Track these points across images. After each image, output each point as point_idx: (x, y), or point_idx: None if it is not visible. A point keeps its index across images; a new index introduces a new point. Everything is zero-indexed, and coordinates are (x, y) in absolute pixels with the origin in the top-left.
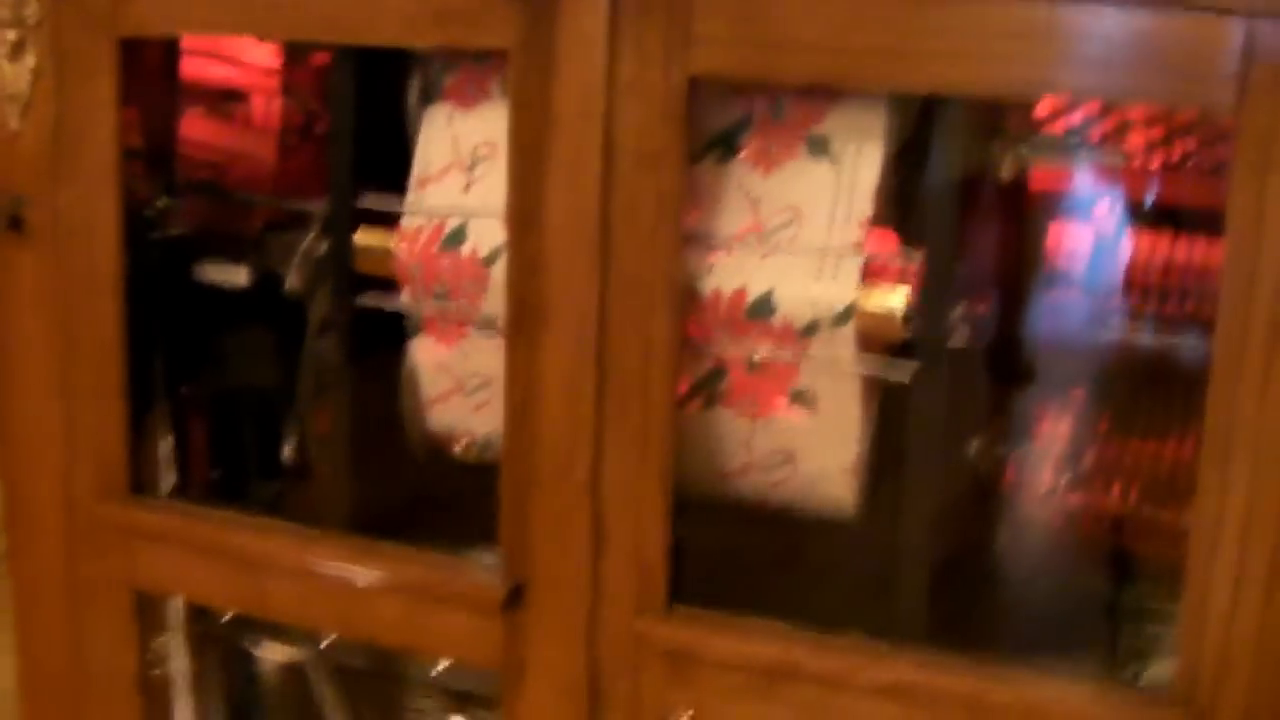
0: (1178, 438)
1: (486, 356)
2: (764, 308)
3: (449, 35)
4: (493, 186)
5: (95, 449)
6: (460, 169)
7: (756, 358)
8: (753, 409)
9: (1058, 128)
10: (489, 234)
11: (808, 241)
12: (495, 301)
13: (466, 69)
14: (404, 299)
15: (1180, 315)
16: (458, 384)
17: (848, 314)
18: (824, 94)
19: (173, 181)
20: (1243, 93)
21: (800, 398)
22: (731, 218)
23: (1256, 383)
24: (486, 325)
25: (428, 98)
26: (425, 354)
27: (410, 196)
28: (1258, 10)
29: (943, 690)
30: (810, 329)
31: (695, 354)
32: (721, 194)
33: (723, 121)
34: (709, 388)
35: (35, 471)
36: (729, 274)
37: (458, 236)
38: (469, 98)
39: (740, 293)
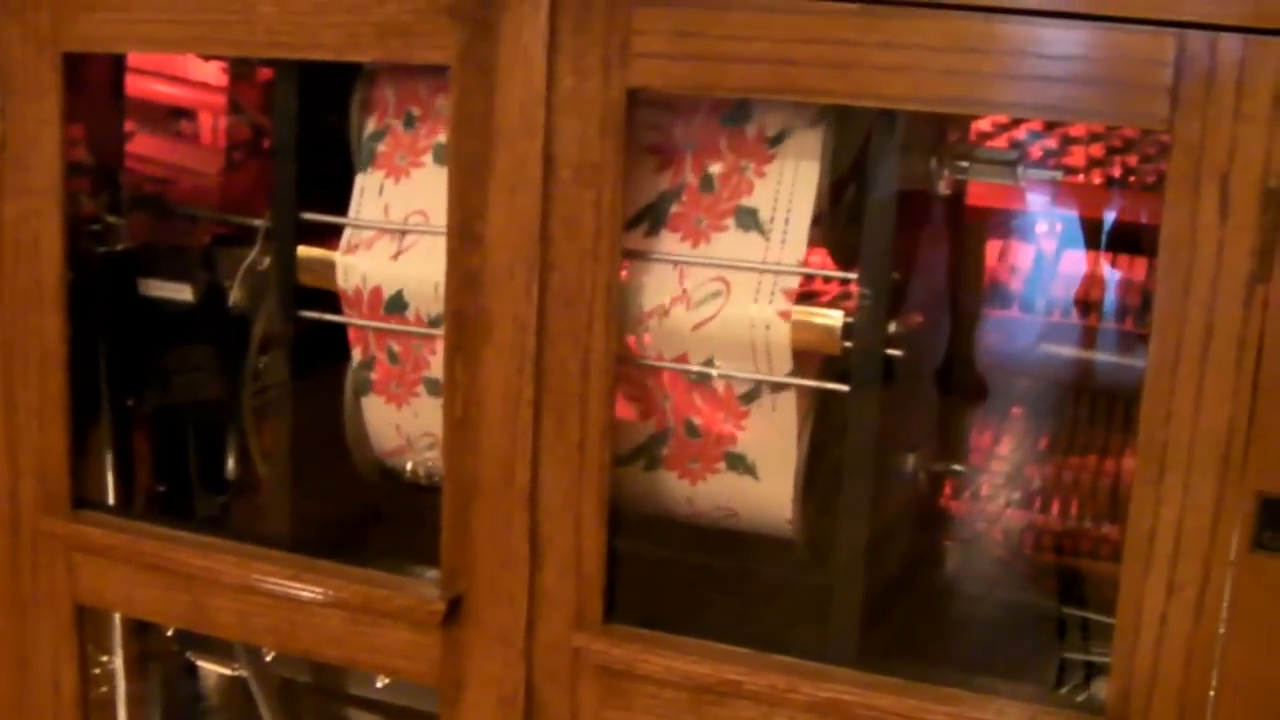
0: (1120, 454)
1: (437, 416)
2: (702, 375)
3: (390, 50)
4: (426, 251)
5: (38, 464)
6: (391, 236)
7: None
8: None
9: (998, 143)
10: (428, 300)
11: (736, 312)
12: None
13: (395, 136)
14: (356, 355)
15: (1124, 332)
16: (408, 442)
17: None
18: (757, 161)
19: (118, 197)
20: (1175, 106)
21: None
22: (659, 289)
23: (1190, 397)
24: (436, 388)
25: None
26: (375, 413)
27: (340, 259)
28: (1189, 23)
29: (880, 709)
30: (750, 396)
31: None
32: (649, 265)
33: (651, 193)
34: (651, 451)
35: None
36: (665, 340)
37: (398, 303)
38: (400, 168)
39: (681, 357)
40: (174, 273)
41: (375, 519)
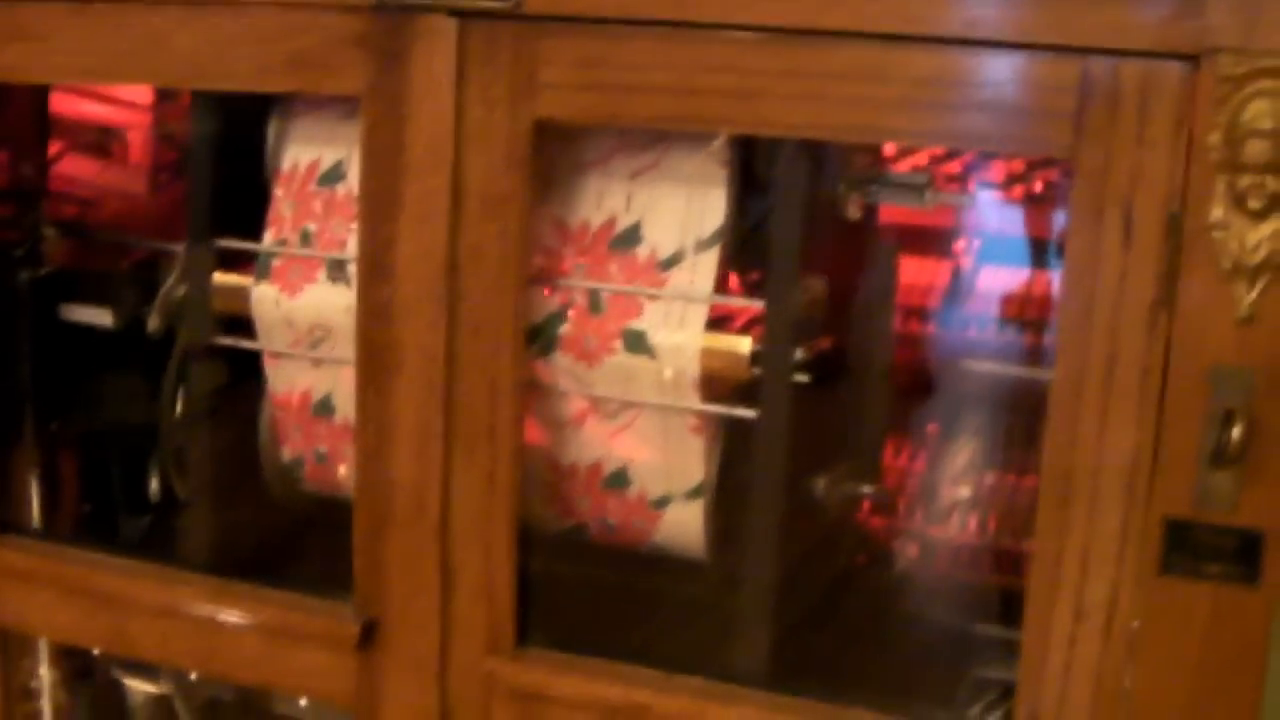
0: (1035, 470)
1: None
2: (619, 479)
3: (302, 81)
4: (342, 360)
5: None
6: (305, 346)
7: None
8: None
9: (918, 159)
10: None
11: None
12: None
13: (288, 258)
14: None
15: (1041, 348)
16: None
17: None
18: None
19: (40, 221)
20: (1078, 133)
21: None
22: (566, 403)
23: (1094, 423)
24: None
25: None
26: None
27: (268, 367)
28: (1092, 49)
29: None
30: (660, 503)
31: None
32: (552, 382)
33: (540, 313)
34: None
35: None
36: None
37: (326, 406)
38: (293, 283)
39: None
40: (96, 297)
41: (295, 542)
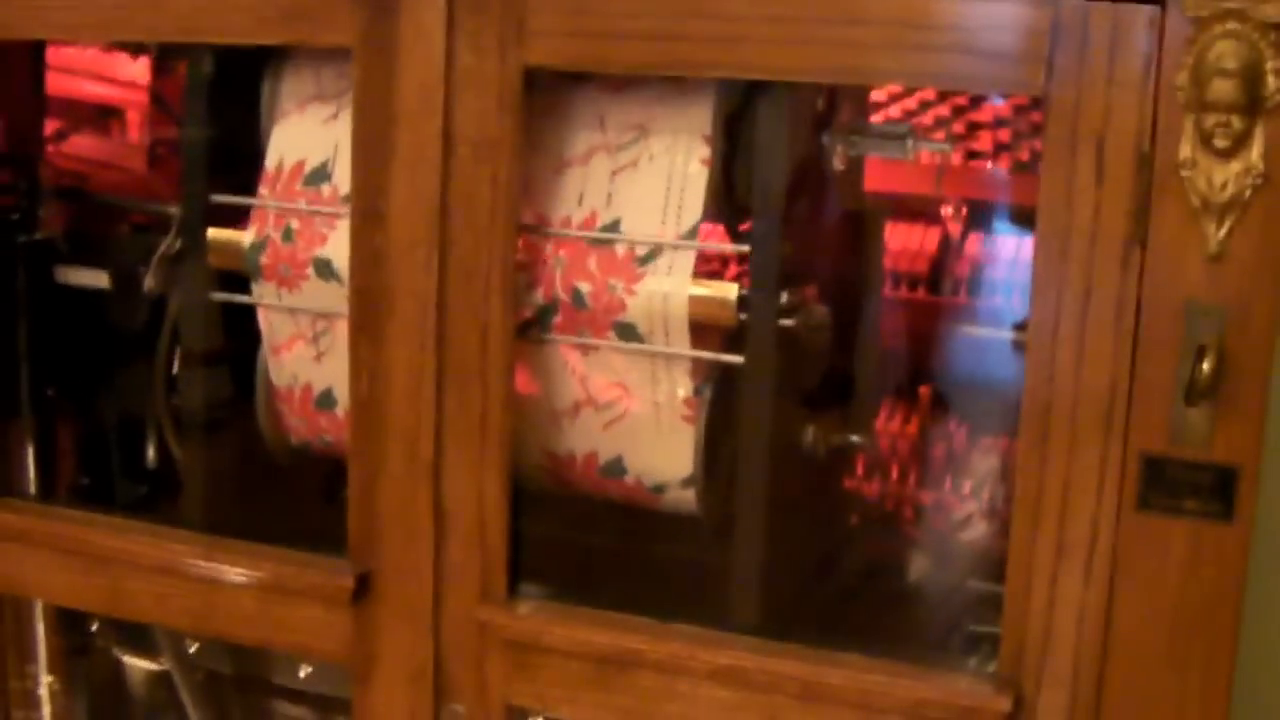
0: None
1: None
2: (615, 468)
3: (296, 33)
4: (341, 355)
5: None
6: (305, 340)
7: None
8: None
9: (890, 116)
10: None
11: (638, 413)
12: None
13: (274, 249)
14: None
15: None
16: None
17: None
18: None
19: (38, 186)
20: (1050, 74)
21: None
22: (563, 392)
23: (1071, 358)
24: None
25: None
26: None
27: (270, 361)
28: None
29: (777, 674)
30: (659, 489)
31: None
32: (547, 370)
33: (530, 307)
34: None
35: None
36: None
37: (328, 399)
38: (288, 280)
39: (591, 456)
40: (92, 261)
41: (289, 499)
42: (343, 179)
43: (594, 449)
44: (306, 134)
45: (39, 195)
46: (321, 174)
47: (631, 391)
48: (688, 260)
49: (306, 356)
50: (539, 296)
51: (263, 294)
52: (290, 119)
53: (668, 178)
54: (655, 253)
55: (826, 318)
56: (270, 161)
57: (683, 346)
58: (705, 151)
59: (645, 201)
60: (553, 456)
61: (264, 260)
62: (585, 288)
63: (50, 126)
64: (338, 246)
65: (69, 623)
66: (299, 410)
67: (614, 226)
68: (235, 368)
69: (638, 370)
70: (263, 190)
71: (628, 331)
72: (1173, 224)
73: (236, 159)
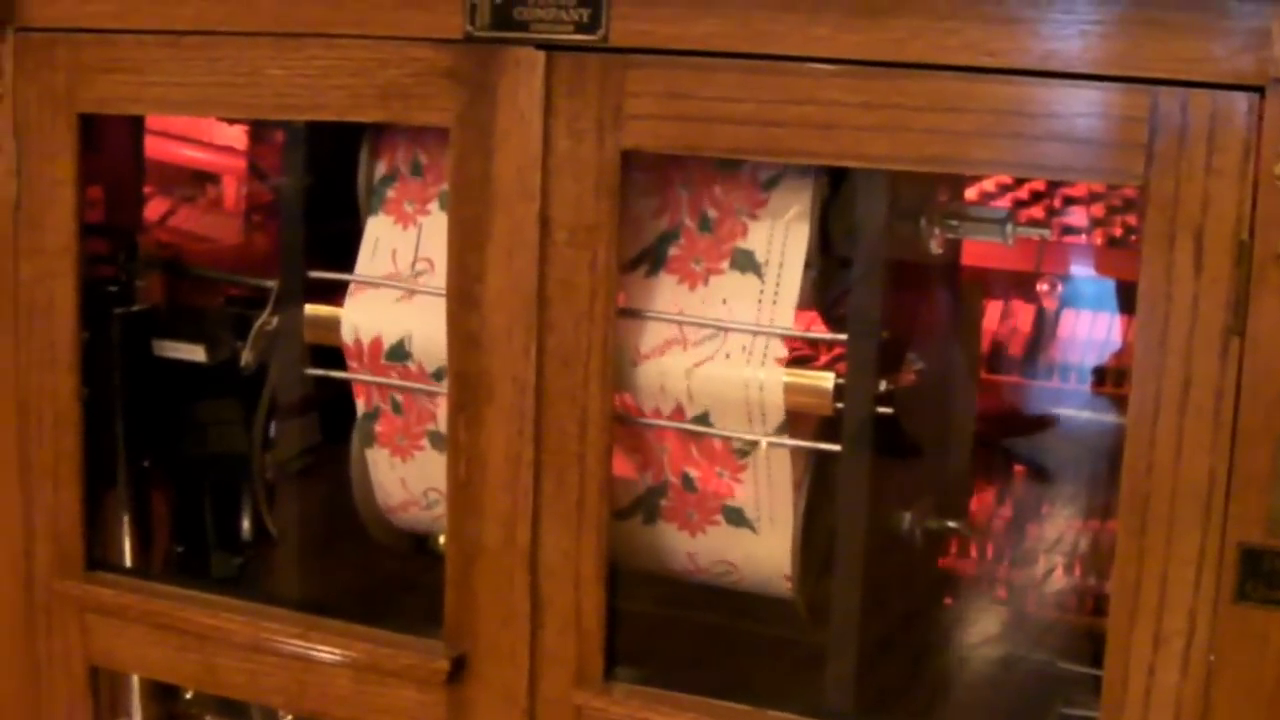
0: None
1: (441, 470)
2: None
3: (392, 112)
4: (430, 301)
5: (52, 525)
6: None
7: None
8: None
9: (1001, 204)
10: (431, 353)
11: (731, 374)
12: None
13: (404, 182)
14: (360, 405)
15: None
16: (413, 497)
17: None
18: (749, 205)
19: (135, 258)
20: (1150, 162)
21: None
22: (657, 330)
23: (1170, 449)
24: (440, 443)
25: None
26: (381, 467)
27: (343, 310)
28: (1162, 80)
29: None
30: (745, 451)
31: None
32: (647, 307)
33: (650, 235)
34: (649, 503)
35: None
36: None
37: (400, 352)
38: (408, 215)
39: (677, 412)
40: (189, 333)
41: (386, 580)
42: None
43: (679, 403)
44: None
45: (137, 266)
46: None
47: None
48: (780, 347)
49: (387, 300)
50: None
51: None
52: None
53: (764, 263)
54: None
55: (924, 403)
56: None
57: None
58: (804, 234)
59: (742, 289)
60: (637, 415)
61: (390, 194)
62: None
63: (152, 203)
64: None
65: (163, 691)
66: (368, 363)
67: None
68: (330, 441)
69: (743, 304)
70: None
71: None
72: (1272, 314)
73: (334, 232)
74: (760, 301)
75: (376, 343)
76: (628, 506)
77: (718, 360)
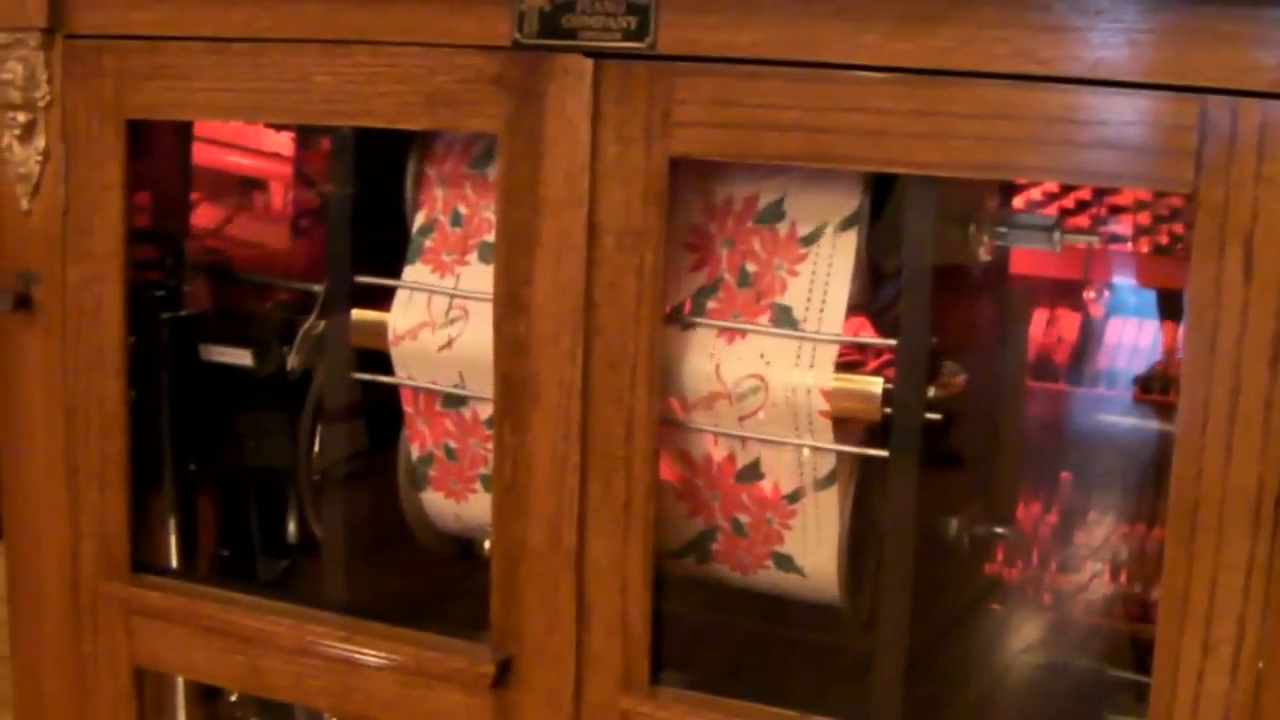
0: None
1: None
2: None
3: (439, 119)
4: (470, 343)
5: (99, 527)
6: (434, 329)
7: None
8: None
9: (1044, 210)
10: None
11: (774, 414)
12: None
13: (443, 233)
14: (414, 450)
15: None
16: (468, 531)
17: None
18: (789, 260)
19: (184, 263)
20: (1199, 170)
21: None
22: (697, 383)
23: (1219, 455)
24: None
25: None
26: (436, 507)
27: (394, 352)
28: (1211, 88)
29: None
30: (795, 496)
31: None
32: (686, 358)
33: (688, 288)
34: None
35: (39, 549)
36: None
37: (455, 399)
38: (445, 265)
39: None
40: (236, 338)
41: (431, 584)
42: None
43: (732, 450)
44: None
45: (184, 271)
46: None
47: (769, 381)
48: (830, 352)
49: (432, 345)
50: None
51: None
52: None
53: (813, 264)
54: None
55: (972, 410)
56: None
57: (824, 438)
58: (852, 240)
59: (781, 345)
60: (688, 461)
61: (428, 244)
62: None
63: (202, 210)
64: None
65: (207, 693)
66: (425, 412)
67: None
68: (376, 444)
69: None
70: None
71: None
72: None
73: (381, 238)
74: (799, 358)
75: (431, 392)
76: (680, 549)
77: (767, 408)
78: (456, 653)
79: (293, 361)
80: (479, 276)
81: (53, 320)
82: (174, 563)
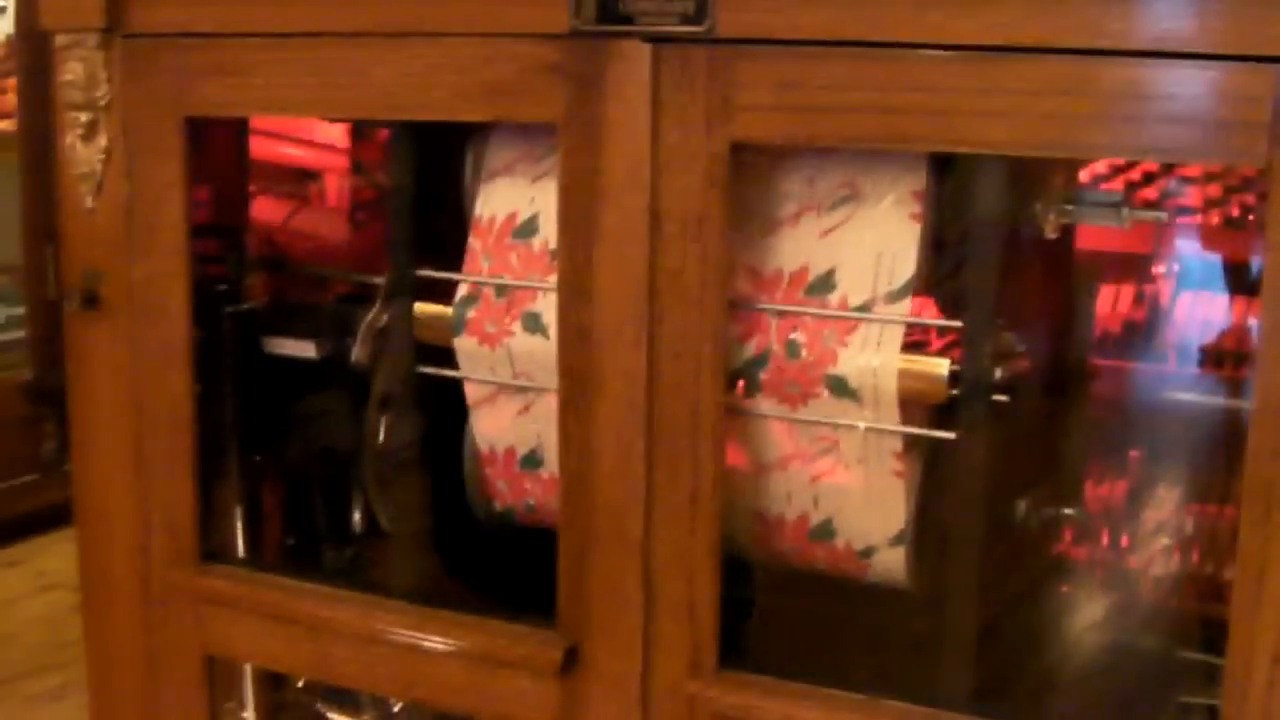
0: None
1: None
2: (824, 531)
3: (498, 110)
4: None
5: (167, 518)
6: (510, 393)
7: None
8: None
9: (1114, 186)
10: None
11: (847, 472)
12: None
13: (487, 303)
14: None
15: (1240, 377)
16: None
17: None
18: (839, 332)
19: (245, 257)
20: (1274, 142)
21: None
22: (767, 448)
23: None
24: None
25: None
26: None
27: (473, 422)
28: None
29: None
30: (866, 553)
31: None
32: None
33: (736, 358)
34: None
35: (109, 540)
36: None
37: (533, 459)
38: (490, 336)
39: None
40: (299, 330)
41: (501, 569)
42: (551, 232)
43: (804, 511)
44: (516, 190)
45: (245, 265)
46: (531, 228)
47: (841, 450)
48: (897, 332)
49: (510, 412)
50: (751, 349)
51: (466, 349)
52: (498, 180)
53: (879, 242)
54: (869, 305)
55: (1039, 389)
56: (482, 213)
57: (892, 418)
58: (917, 217)
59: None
60: (762, 519)
61: (471, 315)
62: (800, 338)
63: (259, 202)
64: (547, 302)
65: (275, 678)
66: (503, 472)
67: (827, 279)
68: (440, 435)
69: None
70: (474, 241)
71: (840, 385)
72: None
73: (440, 230)
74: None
75: (510, 452)
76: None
77: (838, 470)
78: (524, 639)
79: (358, 353)
80: (529, 348)
81: (119, 316)
82: (241, 552)
